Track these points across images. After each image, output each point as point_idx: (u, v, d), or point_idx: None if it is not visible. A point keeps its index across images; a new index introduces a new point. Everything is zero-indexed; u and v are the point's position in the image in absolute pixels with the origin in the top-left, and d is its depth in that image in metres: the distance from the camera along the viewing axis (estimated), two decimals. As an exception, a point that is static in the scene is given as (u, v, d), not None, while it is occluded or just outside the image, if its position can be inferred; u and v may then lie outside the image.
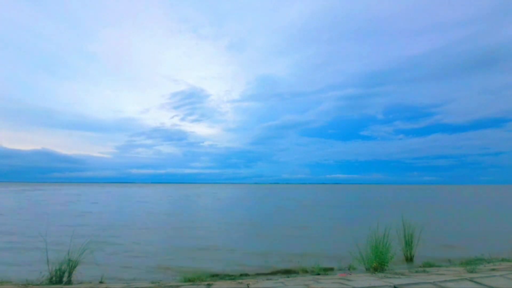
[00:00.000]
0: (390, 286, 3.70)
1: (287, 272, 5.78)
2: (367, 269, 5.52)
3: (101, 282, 4.88)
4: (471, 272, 4.52)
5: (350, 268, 5.98)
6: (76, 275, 4.85)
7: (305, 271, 5.66)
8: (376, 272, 5.16)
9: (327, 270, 5.57)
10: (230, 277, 5.09)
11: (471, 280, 3.87)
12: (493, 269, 4.79)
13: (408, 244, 6.87)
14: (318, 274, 5.27)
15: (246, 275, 5.47)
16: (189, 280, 4.67)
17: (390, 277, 4.42)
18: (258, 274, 5.59)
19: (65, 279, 4.68)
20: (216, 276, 5.14)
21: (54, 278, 4.63)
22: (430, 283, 3.76)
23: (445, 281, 3.86)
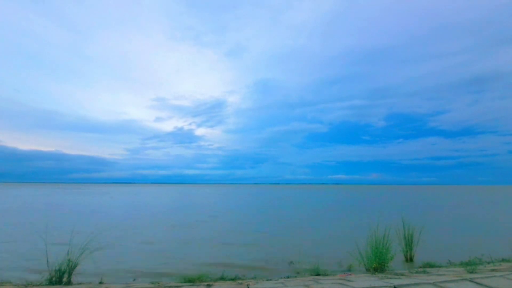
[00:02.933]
0: (390, 286, 3.70)
1: (287, 272, 5.78)
2: (367, 270, 5.52)
3: (101, 283, 4.87)
4: (471, 272, 4.52)
5: (350, 269, 5.97)
6: (76, 276, 4.85)
7: (305, 272, 5.65)
8: (376, 273, 5.15)
9: (327, 271, 5.56)
10: (230, 277, 5.09)
11: (471, 280, 3.87)
12: (493, 270, 4.78)
13: (408, 244, 6.87)
14: (318, 275, 5.26)
15: (246, 275, 5.46)
16: (189, 281, 4.67)
17: (390, 278, 4.42)
18: (258, 275, 5.59)
19: (65, 279, 4.68)
20: (216, 277, 5.13)
21: (54, 279, 4.62)
22: (430, 283, 3.76)
23: (445, 281, 3.86)
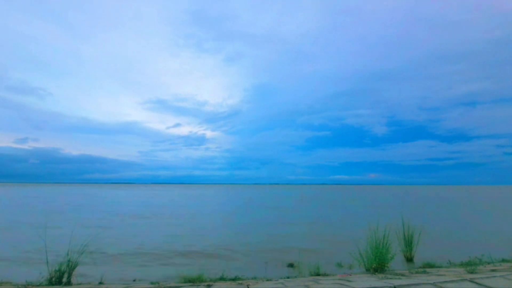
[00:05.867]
0: (390, 286, 3.70)
1: (287, 272, 5.77)
2: (367, 270, 5.51)
3: (100, 283, 4.87)
4: (471, 272, 4.52)
5: (350, 269, 5.97)
6: (75, 276, 4.84)
7: (305, 272, 5.64)
8: (376, 273, 5.15)
9: (327, 271, 5.55)
10: (230, 277, 5.08)
11: (471, 280, 3.87)
12: (493, 270, 4.78)
13: (408, 244, 6.87)
14: (318, 275, 5.26)
15: (246, 275, 5.45)
16: (189, 281, 4.66)
17: (390, 278, 4.42)
18: (258, 275, 5.58)
19: (64, 279, 4.67)
20: (215, 277, 5.13)
21: (53, 279, 4.62)
22: (430, 284, 3.76)
23: (445, 281, 3.86)
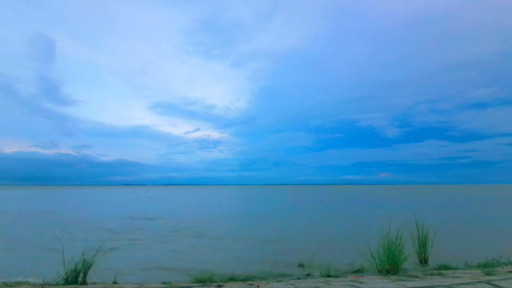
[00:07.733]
0: (403, 288, 3.63)
1: (298, 274, 5.75)
2: (380, 271, 5.42)
3: (114, 282, 4.98)
4: (489, 274, 4.37)
5: (362, 270, 5.88)
6: (90, 276, 4.98)
7: (315, 273, 5.61)
8: (389, 275, 5.06)
9: (338, 272, 5.49)
10: (241, 278, 5.10)
11: (488, 282, 3.75)
12: (512, 272, 4.62)
13: (422, 245, 6.70)
14: (329, 276, 5.21)
15: (256, 276, 5.46)
16: (200, 281, 4.71)
17: (403, 280, 4.33)
18: (268, 276, 5.58)
19: (80, 279, 4.81)
20: (226, 277, 5.16)
21: (69, 279, 4.76)
22: (446, 286, 3.67)
23: (461, 284, 3.75)
